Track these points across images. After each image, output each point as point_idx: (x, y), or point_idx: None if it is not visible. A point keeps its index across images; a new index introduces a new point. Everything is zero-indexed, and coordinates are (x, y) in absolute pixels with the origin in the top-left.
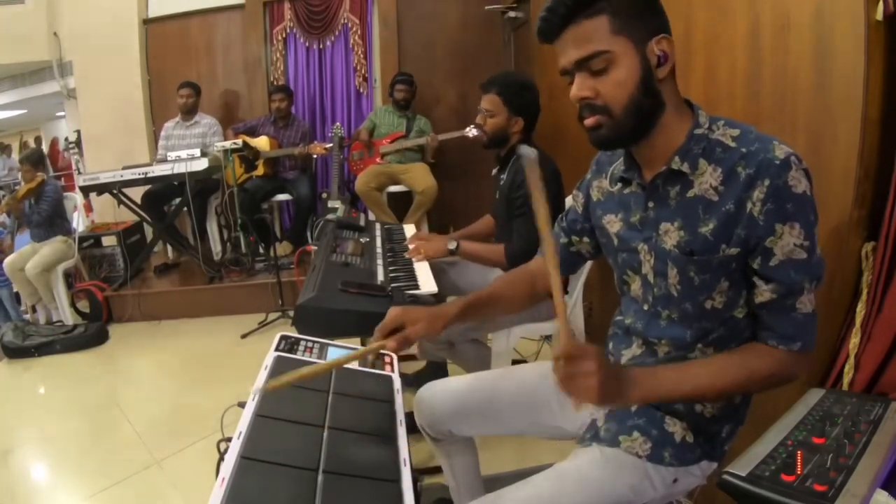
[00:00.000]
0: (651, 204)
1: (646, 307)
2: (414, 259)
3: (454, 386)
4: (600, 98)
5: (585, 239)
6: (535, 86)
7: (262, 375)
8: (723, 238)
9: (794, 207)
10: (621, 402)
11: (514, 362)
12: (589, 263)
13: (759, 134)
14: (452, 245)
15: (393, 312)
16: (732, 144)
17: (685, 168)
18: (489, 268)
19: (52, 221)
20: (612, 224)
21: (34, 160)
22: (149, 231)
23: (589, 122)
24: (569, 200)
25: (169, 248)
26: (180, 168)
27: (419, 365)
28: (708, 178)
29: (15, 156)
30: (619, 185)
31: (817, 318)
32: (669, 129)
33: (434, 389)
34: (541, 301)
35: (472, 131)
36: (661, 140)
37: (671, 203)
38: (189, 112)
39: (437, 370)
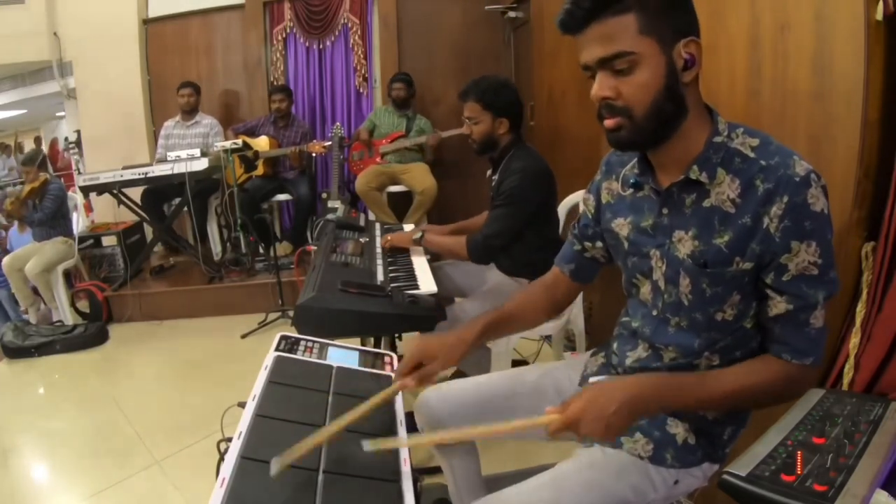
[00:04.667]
0: (665, 210)
1: (655, 312)
2: (385, 247)
3: (455, 388)
4: (621, 99)
5: (598, 244)
6: (511, 84)
7: (262, 375)
8: (737, 251)
9: (812, 226)
10: (644, 416)
11: (515, 363)
12: None
13: (778, 145)
14: (417, 235)
15: (411, 349)
16: (752, 155)
17: (703, 178)
18: (485, 266)
19: (54, 221)
20: (622, 227)
21: (37, 161)
22: (149, 231)
23: (609, 123)
24: (574, 199)
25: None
26: (180, 168)
27: None
28: (725, 189)
29: (15, 156)
30: (631, 189)
31: (827, 331)
32: (689, 136)
33: (435, 392)
34: (561, 311)
35: None
36: (680, 146)
37: (686, 211)
38: (190, 112)
39: None
